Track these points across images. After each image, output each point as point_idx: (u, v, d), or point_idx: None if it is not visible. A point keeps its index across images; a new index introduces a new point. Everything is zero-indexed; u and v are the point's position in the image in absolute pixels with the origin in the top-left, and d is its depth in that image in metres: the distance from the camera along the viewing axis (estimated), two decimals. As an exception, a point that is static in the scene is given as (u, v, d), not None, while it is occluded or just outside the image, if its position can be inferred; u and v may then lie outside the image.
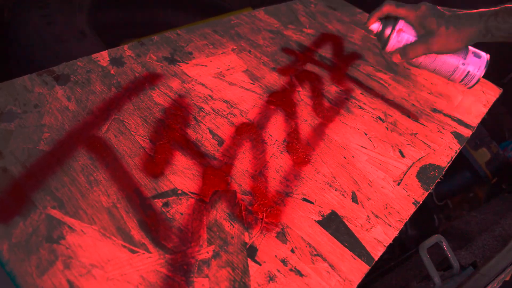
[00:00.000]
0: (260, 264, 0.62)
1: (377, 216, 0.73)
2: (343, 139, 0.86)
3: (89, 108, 0.77)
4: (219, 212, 0.67)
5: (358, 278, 0.64)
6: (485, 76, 0.93)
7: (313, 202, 0.73)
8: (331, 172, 0.79)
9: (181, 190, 0.68)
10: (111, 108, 0.78)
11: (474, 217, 1.11)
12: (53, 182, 0.64)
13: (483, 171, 1.48)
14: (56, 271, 0.55)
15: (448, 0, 1.57)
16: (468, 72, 0.85)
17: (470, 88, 0.90)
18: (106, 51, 0.89)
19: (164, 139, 0.75)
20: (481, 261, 0.84)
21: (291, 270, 0.63)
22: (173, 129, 0.78)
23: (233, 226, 0.66)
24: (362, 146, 0.85)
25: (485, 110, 1.04)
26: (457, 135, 0.94)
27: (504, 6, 0.75)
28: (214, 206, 0.68)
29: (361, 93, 0.98)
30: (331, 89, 0.97)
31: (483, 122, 1.04)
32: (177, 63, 0.92)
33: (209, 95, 0.87)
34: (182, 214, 0.65)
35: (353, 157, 0.83)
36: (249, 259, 0.63)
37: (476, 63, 0.85)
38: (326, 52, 1.09)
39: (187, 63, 0.92)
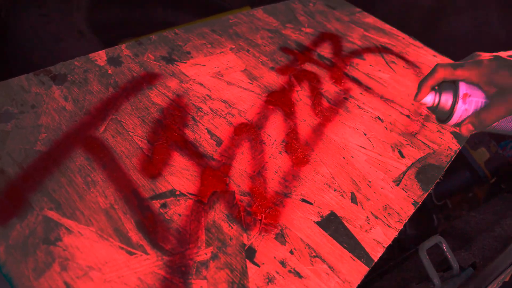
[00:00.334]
0: (258, 266, 0.62)
1: (376, 217, 0.73)
2: (342, 139, 0.85)
3: (86, 108, 0.76)
4: (218, 213, 0.67)
5: (357, 280, 0.64)
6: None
7: (312, 203, 0.73)
8: (330, 173, 0.78)
9: (179, 191, 0.68)
10: (108, 108, 0.77)
11: (473, 217, 1.10)
12: (50, 183, 0.64)
13: (482, 171, 1.48)
14: (53, 273, 0.54)
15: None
16: None
17: None
18: (103, 50, 0.88)
19: (162, 139, 0.75)
20: (481, 262, 0.84)
21: (290, 271, 0.62)
22: (171, 129, 0.77)
23: (232, 228, 0.66)
24: (361, 146, 0.85)
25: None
26: (456, 135, 0.93)
27: None
28: (212, 207, 0.67)
29: (360, 93, 0.98)
30: (330, 89, 0.97)
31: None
32: (175, 62, 0.91)
33: (207, 95, 0.86)
34: (180, 215, 0.65)
35: (352, 157, 0.82)
36: (247, 261, 0.62)
37: None
38: (325, 51, 1.09)
39: (185, 63, 0.92)
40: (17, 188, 0.62)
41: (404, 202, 0.76)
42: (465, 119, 0.64)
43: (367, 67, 1.07)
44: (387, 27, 1.25)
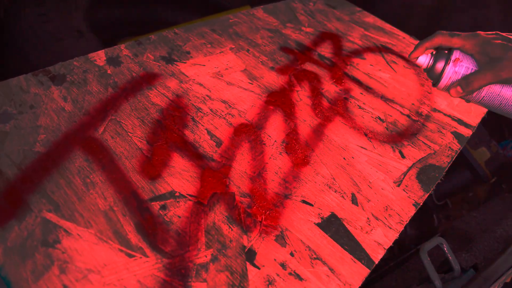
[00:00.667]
0: (259, 268, 0.62)
1: (377, 218, 0.73)
2: (343, 140, 0.85)
3: (85, 109, 0.75)
4: (218, 215, 0.66)
5: (358, 282, 0.64)
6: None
7: (313, 204, 0.72)
8: (330, 174, 0.78)
9: (178, 192, 0.68)
10: (107, 109, 0.77)
11: (474, 217, 1.10)
12: (49, 184, 0.63)
13: (482, 171, 1.47)
14: (51, 276, 0.54)
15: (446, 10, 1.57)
16: None
17: None
18: (102, 50, 0.88)
19: (161, 140, 0.74)
20: (482, 263, 0.83)
21: (290, 274, 0.62)
22: (170, 130, 0.77)
23: (232, 229, 0.65)
24: (361, 147, 0.84)
25: (485, 109, 1.03)
26: (457, 135, 0.93)
27: None
28: (212, 209, 0.67)
29: (360, 93, 0.98)
30: (331, 89, 0.97)
31: (483, 121, 1.03)
32: (175, 62, 0.91)
33: (207, 95, 0.86)
34: (179, 217, 0.64)
35: (352, 158, 0.82)
36: (247, 263, 0.62)
37: None
38: (325, 51, 1.08)
39: (185, 63, 0.91)
40: (16, 190, 0.62)
41: (405, 203, 0.76)
42: (454, 82, 0.68)
43: (367, 66, 1.06)
44: (388, 26, 1.25)
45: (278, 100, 0.89)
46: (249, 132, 0.81)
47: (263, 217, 0.68)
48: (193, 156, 0.74)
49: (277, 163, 0.77)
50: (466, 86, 0.66)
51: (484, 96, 0.68)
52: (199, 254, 0.61)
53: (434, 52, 0.70)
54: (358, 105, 0.94)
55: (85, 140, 0.71)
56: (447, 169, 0.85)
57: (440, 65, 0.69)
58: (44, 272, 0.54)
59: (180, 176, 0.70)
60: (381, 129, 0.89)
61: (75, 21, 1.24)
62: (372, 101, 0.96)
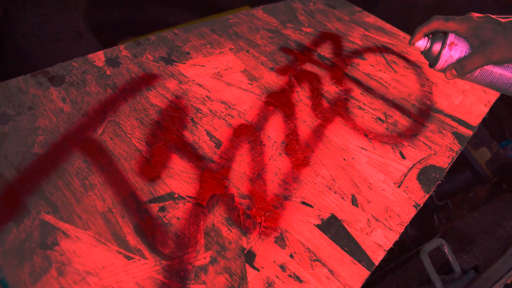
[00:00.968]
0: (258, 270, 0.61)
1: (377, 220, 0.72)
2: (343, 141, 0.84)
3: (84, 110, 0.75)
4: (217, 217, 0.66)
5: (358, 284, 0.63)
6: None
7: (313, 205, 0.72)
8: (330, 175, 0.77)
9: (177, 194, 0.67)
10: (106, 110, 0.76)
11: (474, 218, 1.10)
12: (47, 186, 0.63)
13: (483, 171, 1.47)
14: (50, 279, 0.54)
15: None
16: None
17: None
18: (101, 51, 0.87)
19: (160, 141, 0.74)
20: (483, 264, 0.83)
21: (290, 276, 0.62)
22: (170, 131, 0.76)
23: (231, 231, 0.65)
24: (362, 148, 0.84)
25: (486, 109, 1.03)
26: (458, 136, 0.92)
27: None
28: (211, 211, 0.67)
29: (361, 93, 0.97)
30: (331, 89, 0.96)
31: (483, 121, 1.03)
32: (174, 63, 0.90)
33: (207, 96, 0.85)
34: (179, 218, 0.64)
35: (353, 158, 0.81)
36: (247, 265, 0.61)
37: None
38: (325, 51, 1.08)
39: (184, 63, 0.91)
40: (14, 191, 0.61)
41: (405, 204, 0.76)
42: (450, 65, 0.74)
43: (367, 67, 1.06)
44: (388, 26, 1.24)
45: (278, 100, 0.89)
46: (248, 133, 0.80)
47: (263, 218, 0.68)
48: (192, 157, 0.73)
49: (276, 164, 0.77)
50: (460, 69, 0.73)
51: (477, 76, 0.75)
52: (198, 256, 0.61)
53: (431, 36, 0.76)
54: (358, 106, 0.94)
55: (83, 141, 0.70)
56: (447, 169, 0.85)
57: (436, 48, 0.75)
58: (42, 274, 0.54)
59: (179, 178, 0.70)
60: (381, 130, 0.89)
61: (74, 21, 1.24)
62: (372, 101, 0.96)
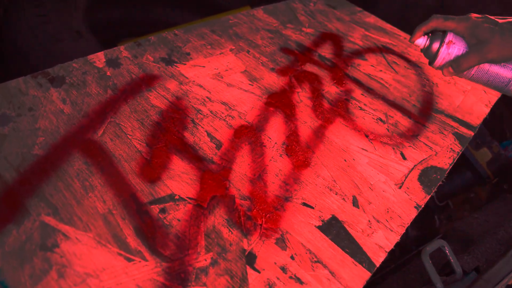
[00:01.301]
0: (259, 272, 0.61)
1: (378, 221, 0.72)
2: (344, 141, 0.84)
3: (84, 111, 0.75)
4: (217, 218, 0.66)
5: (359, 285, 0.63)
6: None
7: (313, 206, 0.72)
8: (331, 176, 0.77)
9: (178, 195, 0.67)
10: (107, 111, 0.76)
11: (476, 218, 1.09)
12: (47, 187, 0.63)
13: (484, 171, 1.47)
14: (50, 281, 0.54)
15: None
16: None
17: None
18: (102, 52, 0.87)
19: (161, 142, 0.74)
20: (484, 265, 0.83)
21: (290, 277, 0.62)
22: (170, 132, 0.76)
23: (232, 233, 0.65)
24: (362, 149, 0.84)
25: (487, 110, 1.03)
26: (459, 136, 0.92)
27: None
28: (212, 212, 0.66)
29: (361, 94, 0.97)
30: (331, 90, 0.96)
31: (484, 121, 1.03)
32: (175, 64, 0.90)
33: (207, 97, 0.85)
34: (179, 220, 0.64)
35: (353, 159, 0.81)
36: (248, 267, 0.61)
37: None
38: (325, 51, 1.08)
39: (185, 64, 0.91)
40: (14, 193, 0.61)
41: (406, 206, 0.76)
42: (447, 63, 0.77)
43: (368, 67, 1.06)
44: (388, 26, 1.24)
45: (279, 101, 0.89)
46: (249, 134, 0.80)
47: (264, 220, 0.68)
48: (193, 159, 0.73)
49: (277, 165, 0.77)
50: (457, 67, 0.75)
51: (474, 74, 0.77)
52: (198, 257, 0.61)
53: (430, 35, 0.78)
54: (359, 106, 0.93)
55: (84, 142, 0.70)
56: (448, 170, 0.85)
57: (435, 46, 0.77)
58: (42, 276, 0.54)
59: (180, 179, 0.69)
60: (382, 131, 0.89)
61: (74, 22, 1.24)
62: (373, 102, 0.96)
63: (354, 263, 0.65)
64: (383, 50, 1.14)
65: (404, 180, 0.80)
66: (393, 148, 0.86)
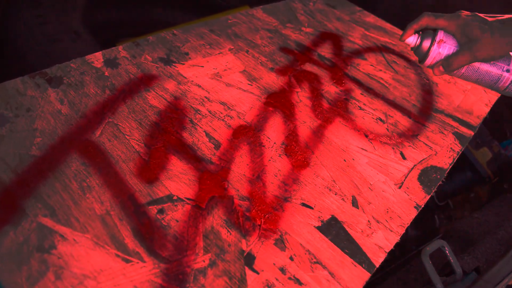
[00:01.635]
0: (258, 273, 0.61)
1: (378, 221, 0.72)
2: (343, 141, 0.84)
3: (82, 112, 0.75)
4: (216, 219, 0.65)
5: (359, 286, 0.63)
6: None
7: (313, 207, 0.71)
8: (330, 176, 0.77)
9: (176, 196, 0.67)
10: (105, 111, 0.76)
11: (476, 218, 1.09)
12: (44, 188, 0.63)
13: (484, 171, 1.46)
14: (47, 282, 0.53)
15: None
16: None
17: None
18: (100, 52, 0.87)
19: (159, 143, 0.74)
20: (484, 266, 0.82)
21: (290, 278, 0.61)
22: (168, 132, 0.76)
23: (230, 233, 0.64)
24: (362, 148, 0.83)
25: (487, 109, 1.02)
26: (458, 136, 0.92)
27: None
28: (210, 213, 0.66)
29: (361, 94, 0.97)
30: (331, 90, 0.96)
31: (484, 121, 1.02)
32: (173, 64, 0.90)
33: (206, 97, 0.85)
34: (177, 221, 0.63)
35: (353, 159, 0.81)
36: (246, 268, 0.61)
37: None
38: (325, 51, 1.07)
39: (183, 64, 0.90)
40: (11, 194, 0.61)
41: (406, 206, 0.75)
42: (437, 62, 0.76)
43: (368, 67, 1.05)
44: (388, 26, 1.24)
45: (278, 101, 0.89)
46: (248, 134, 0.80)
47: (262, 220, 0.67)
48: (191, 159, 0.73)
49: (276, 165, 0.76)
50: (447, 66, 0.75)
51: (464, 72, 0.77)
52: (197, 258, 0.60)
53: (421, 33, 0.78)
54: (358, 106, 0.93)
55: (81, 143, 0.70)
56: (448, 170, 0.84)
57: (426, 45, 0.76)
58: (40, 278, 0.53)
59: (178, 179, 0.69)
60: (381, 130, 0.88)
61: (73, 22, 1.24)
62: (372, 101, 0.95)
63: (354, 263, 0.65)
64: (383, 49, 1.13)
65: (404, 180, 0.80)
66: (393, 148, 0.85)
